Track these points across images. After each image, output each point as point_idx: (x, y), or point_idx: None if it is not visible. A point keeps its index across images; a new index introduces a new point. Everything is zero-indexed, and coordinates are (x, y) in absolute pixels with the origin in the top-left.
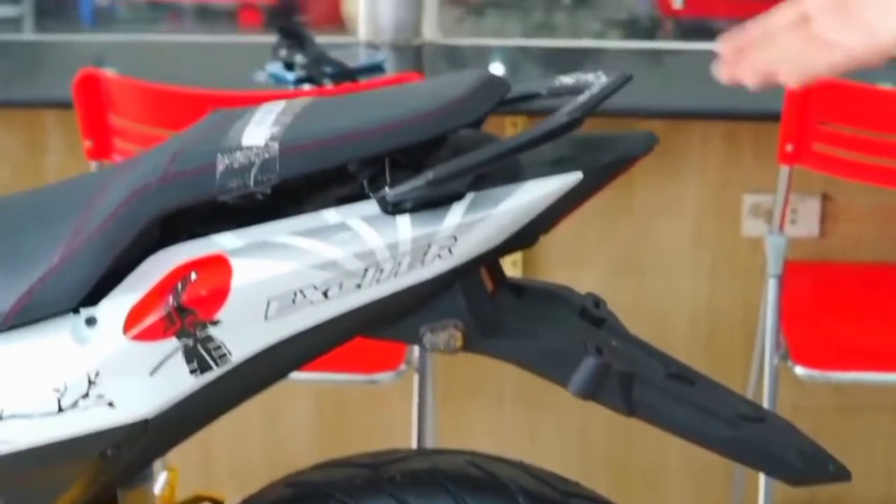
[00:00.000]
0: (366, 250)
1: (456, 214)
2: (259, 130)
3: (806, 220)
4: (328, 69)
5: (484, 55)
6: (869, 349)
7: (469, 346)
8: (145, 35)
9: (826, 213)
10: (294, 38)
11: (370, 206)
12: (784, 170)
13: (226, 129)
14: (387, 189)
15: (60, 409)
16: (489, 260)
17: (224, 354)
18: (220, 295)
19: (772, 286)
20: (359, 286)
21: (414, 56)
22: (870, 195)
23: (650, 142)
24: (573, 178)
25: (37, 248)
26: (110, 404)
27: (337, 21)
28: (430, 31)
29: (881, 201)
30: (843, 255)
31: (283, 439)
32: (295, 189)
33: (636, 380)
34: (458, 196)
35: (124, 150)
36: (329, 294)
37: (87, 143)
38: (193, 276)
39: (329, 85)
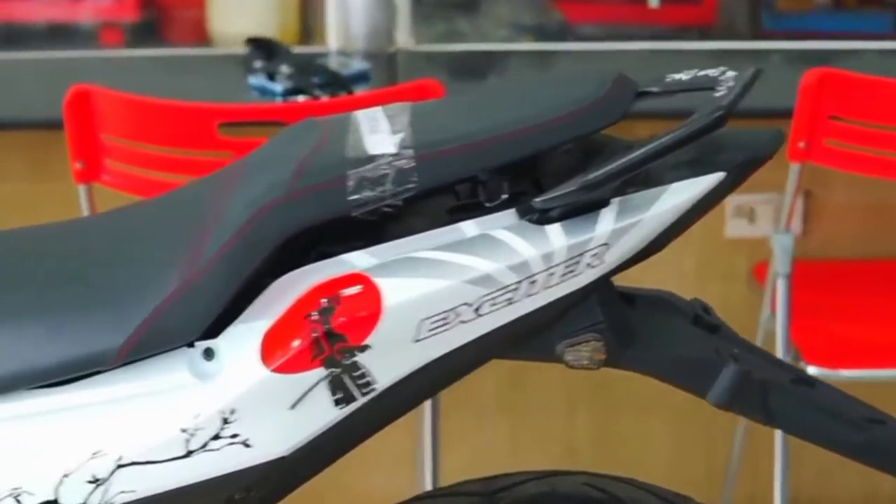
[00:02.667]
0: (520, 262)
1: (607, 221)
2: (383, 138)
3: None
4: (316, 79)
5: (468, 60)
6: (877, 346)
7: (610, 359)
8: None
9: (809, 210)
10: (264, 48)
11: (508, 217)
12: (795, 167)
13: (339, 138)
14: (527, 198)
15: (188, 453)
16: (623, 269)
17: (369, 382)
18: (372, 317)
19: (781, 286)
20: (510, 301)
21: (388, 64)
22: (851, 191)
23: (780, 139)
24: (716, 178)
25: (147, 275)
26: (245, 444)
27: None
28: (404, 38)
29: (863, 198)
30: (825, 252)
31: None
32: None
33: (771, 387)
34: (604, 203)
35: (115, 170)
36: (481, 311)
37: (78, 165)
38: (338, 298)
39: (322, 95)
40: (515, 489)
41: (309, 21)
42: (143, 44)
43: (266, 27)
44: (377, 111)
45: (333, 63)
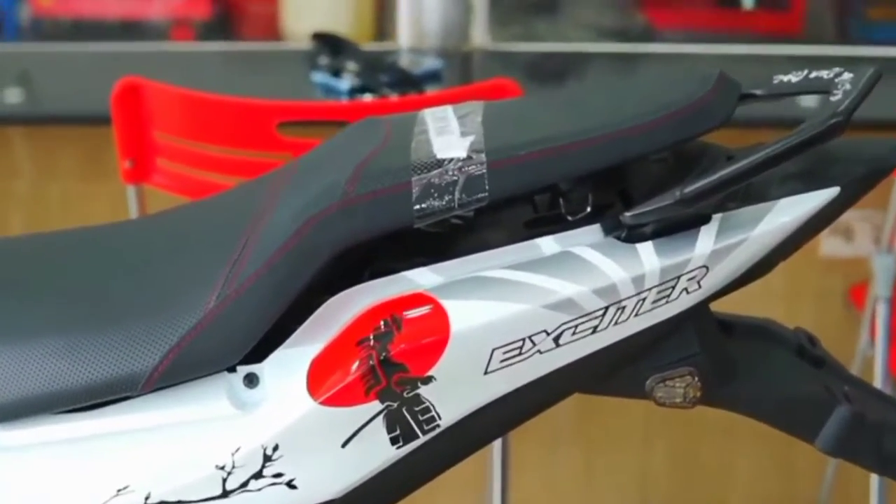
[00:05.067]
0: (606, 285)
1: (707, 240)
2: (452, 141)
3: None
4: (385, 77)
5: (547, 62)
6: None
7: (706, 396)
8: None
9: None
10: (331, 44)
11: (593, 233)
12: None
13: (403, 139)
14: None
15: (225, 493)
16: (723, 294)
17: (432, 418)
18: (438, 345)
19: (882, 311)
20: (595, 329)
21: (463, 63)
22: None
23: None
24: (830, 194)
25: (184, 290)
26: (290, 484)
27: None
28: (480, 37)
29: None
30: None
31: None
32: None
33: (886, 431)
34: (704, 219)
35: (167, 170)
36: (560, 341)
37: (127, 164)
38: (399, 321)
39: (391, 94)
40: None
41: (384, 18)
42: (213, 41)
43: (339, 23)
44: (446, 110)
45: (405, 61)
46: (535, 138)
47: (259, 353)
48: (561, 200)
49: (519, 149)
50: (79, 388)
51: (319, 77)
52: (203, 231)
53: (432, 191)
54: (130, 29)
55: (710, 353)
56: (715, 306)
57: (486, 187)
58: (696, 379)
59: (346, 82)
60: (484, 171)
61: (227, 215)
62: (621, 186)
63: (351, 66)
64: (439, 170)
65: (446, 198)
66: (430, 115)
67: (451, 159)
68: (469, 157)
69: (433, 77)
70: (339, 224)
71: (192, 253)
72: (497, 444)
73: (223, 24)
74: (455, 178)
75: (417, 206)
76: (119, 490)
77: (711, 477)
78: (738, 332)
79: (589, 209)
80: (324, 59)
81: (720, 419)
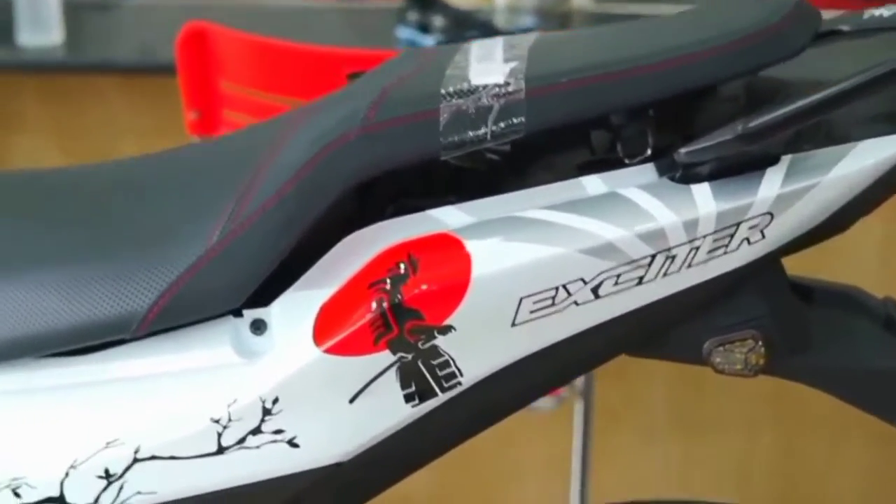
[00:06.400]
0: (654, 230)
1: (773, 183)
2: (491, 67)
3: None
4: (473, 32)
5: None
6: None
7: (772, 365)
8: None
9: None
10: (423, 1)
11: (644, 173)
12: None
13: (439, 66)
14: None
15: (221, 450)
16: (793, 251)
17: (453, 374)
18: (456, 291)
19: None
20: (640, 280)
21: (561, 24)
22: None
23: None
24: None
25: (186, 223)
26: (292, 442)
27: None
28: None
29: None
30: None
31: None
32: (515, 152)
33: None
34: (772, 160)
35: (234, 122)
36: (600, 291)
37: (192, 115)
38: (414, 263)
39: None
40: None
41: None
42: None
43: None
44: (499, 39)
45: (500, 20)
46: (583, 65)
47: (271, 296)
48: (618, 142)
49: (563, 75)
50: (67, 329)
51: (405, 32)
52: (219, 162)
53: (463, 119)
54: None
55: (779, 317)
56: (796, 271)
57: (524, 117)
58: (760, 344)
59: (431, 38)
60: (522, 97)
61: (247, 146)
62: (686, 128)
63: (437, 21)
64: (472, 96)
65: (478, 127)
66: (478, 44)
67: (486, 85)
68: (507, 83)
69: None
70: (356, 153)
71: (203, 184)
72: (578, 427)
73: None
74: (489, 105)
75: (445, 136)
76: (108, 443)
77: (816, 472)
78: (818, 298)
79: (649, 152)
80: (413, 15)
81: (829, 410)
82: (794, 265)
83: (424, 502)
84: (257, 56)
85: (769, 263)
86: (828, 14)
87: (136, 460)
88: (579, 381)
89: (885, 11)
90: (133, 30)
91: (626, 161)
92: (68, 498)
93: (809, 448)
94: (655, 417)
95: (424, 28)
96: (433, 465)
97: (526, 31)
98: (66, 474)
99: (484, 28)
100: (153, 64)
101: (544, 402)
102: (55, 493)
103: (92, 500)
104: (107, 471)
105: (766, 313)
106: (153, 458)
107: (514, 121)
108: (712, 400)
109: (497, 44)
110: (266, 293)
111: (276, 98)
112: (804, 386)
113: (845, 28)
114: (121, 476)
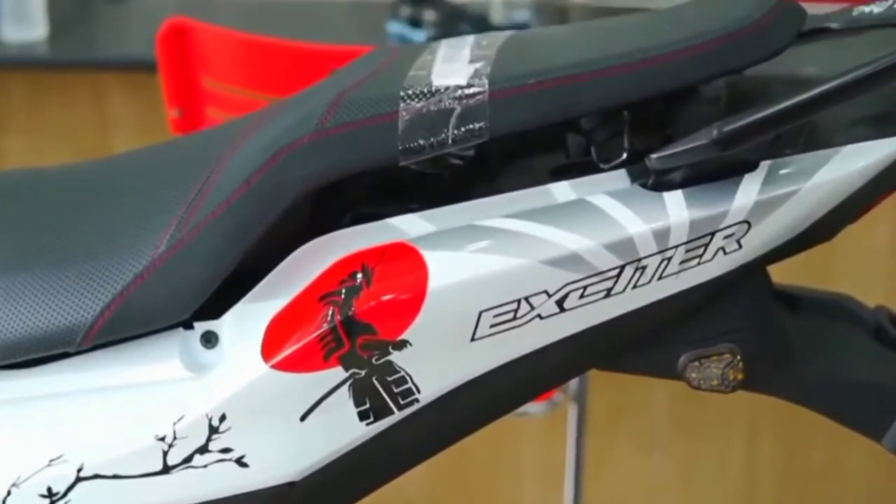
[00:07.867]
0: (622, 240)
1: (750, 190)
2: (455, 68)
3: None
4: (465, 27)
5: None
6: None
7: (751, 380)
8: None
9: None
10: None
11: (616, 179)
12: None
13: (402, 67)
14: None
15: (166, 469)
16: (774, 260)
17: (409, 390)
18: (411, 304)
19: None
20: (608, 293)
21: (558, 19)
22: None
23: None
24: None
25: (134, 232)
26: (240, 461)
27: None
28: None
29: None
30: None
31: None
32: (483, 157)
33: None
34: (750, 165)
35: (217, 120)
36: (565, 304)
37: (174, 113)
38: (368, 275)
39: None
40: None
41: None
42: None
43: None
44: (469, 38)
45: (497, 14)
46: (550, 66)
47: (227, 307)
48: (592, 146)
49: (529, 77)
50: (8, 342)
51: (395, 27)
52: (175, 166)
53: (422, 123)
54: None
55: (759, 331)
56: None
57: (486, 121)
58: (739, 359)
59: (422, 33)
60: (485, 100)
61: (205, 148)
62: (665, 131)
63: (429, 15)
64: (432, 99)
65: (439, 132)
66: (446, 43)
67: (448, 87)
68: (469, 85)
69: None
70: (308, 159)
71: (156, 189)
72: (572, 432)
73: None
74: (451, 108)
75: (403, 142)
76: (51, 460)
77: (822, 476)
78: (805, 308)
79: (625, 156)
80: (405, 10)
81: None
82: (798, 270)
83: None
84: (240, 53)
85: (750, 274)
86: (816, 11)
87: (79, 479)
88: (573, 386)
89: (874, 8)
90: (132, 25)
91: (602, 166)
92: None
93: (813, 452)
94: (655, 422)
95: (416, 23)
96: (427, 472)
97: (520, 26)
98: (8, 492)
99: (477, 23)
100: (137, 59)
101: (535, 408)
102: None
103: None
104: (49, 490)
105: (744, 326)
106: (96, 476)
107: (476, 125)
108: (713, 405)
109: (466, 42)
110: (222, 304)
111: (259, 95)
112: None
113: (834, 26)
114: (64, 495)
